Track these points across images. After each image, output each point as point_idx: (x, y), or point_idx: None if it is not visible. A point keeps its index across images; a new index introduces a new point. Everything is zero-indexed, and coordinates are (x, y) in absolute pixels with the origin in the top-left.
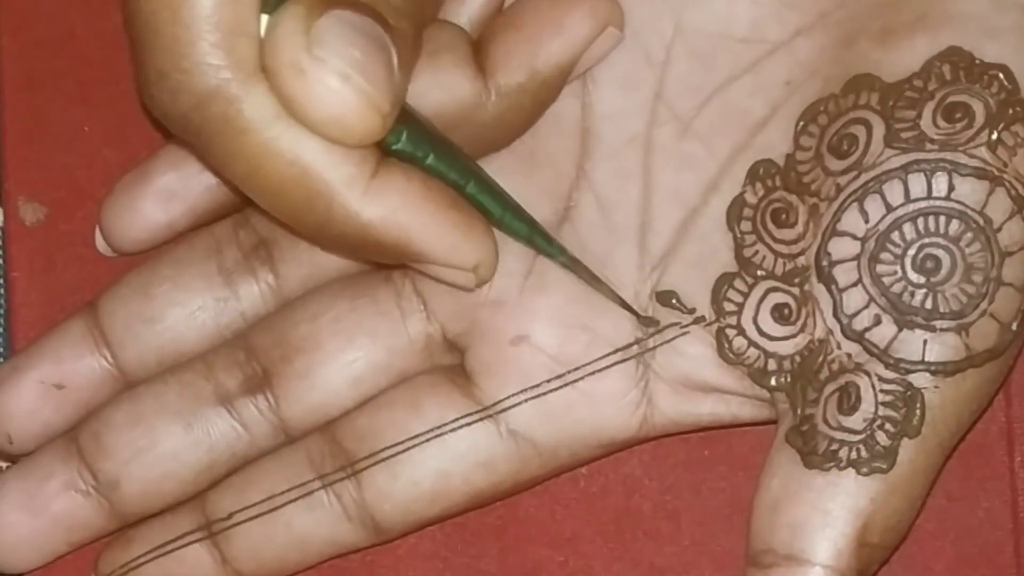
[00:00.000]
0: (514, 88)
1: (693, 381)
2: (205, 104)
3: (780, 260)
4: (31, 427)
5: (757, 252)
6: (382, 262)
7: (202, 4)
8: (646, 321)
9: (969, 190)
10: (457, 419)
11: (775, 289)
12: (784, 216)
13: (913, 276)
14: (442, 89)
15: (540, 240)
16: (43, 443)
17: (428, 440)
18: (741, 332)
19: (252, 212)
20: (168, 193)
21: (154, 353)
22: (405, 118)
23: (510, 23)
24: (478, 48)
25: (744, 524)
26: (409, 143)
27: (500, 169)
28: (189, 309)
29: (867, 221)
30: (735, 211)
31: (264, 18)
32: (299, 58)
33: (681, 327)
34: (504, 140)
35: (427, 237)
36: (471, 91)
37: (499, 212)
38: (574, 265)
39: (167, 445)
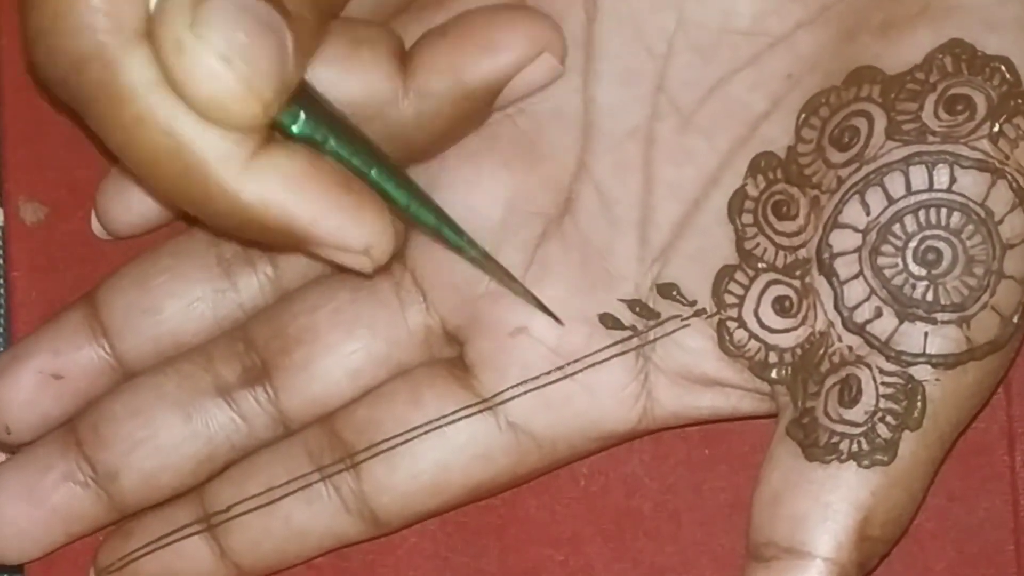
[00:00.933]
0: (433, 93)
1: (693, 374)
2: (82, 67)
3: (781, 252)
4: (29, 417)
5: (758, 245)
6: (273, 244)
7: None
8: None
9: (971, 182)
10: (456, 411)
11: (776, 282)
12: (785, 208)
13: (914, 268)
14: (356, 81)
15: (448, 232)
16: (41, 434)
17: (427, 432)
18: (742, 325)
19: None
20: None
21: (152, 344)
22: (306, 102)
23: (443, 32)
24: (409, 51)
25: (745, 523)
26: (307, 126)
27: (502, 162)
28: (187, 300)
29: (868, 213)
30: (736, 204)
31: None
32: (182, 35)
33: (682, 319)
34: (422, 145)
35: (311, 218)
36: (387, 87)
37: (405, 201)
38: (486, 261)
39: (166, 437)
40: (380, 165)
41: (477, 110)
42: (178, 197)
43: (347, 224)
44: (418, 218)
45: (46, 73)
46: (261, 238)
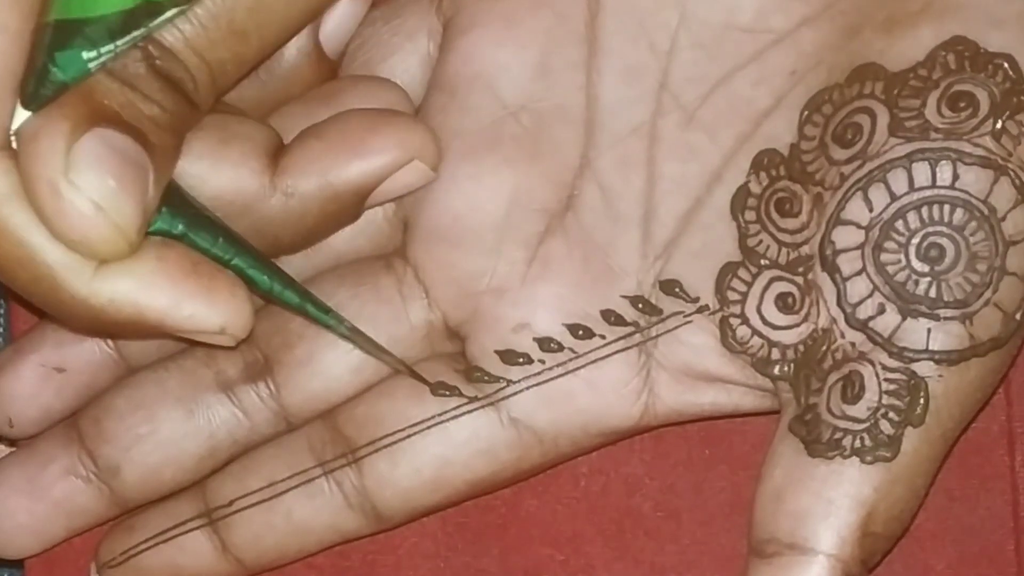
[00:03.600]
0: (301, 193)
1: (695, 370)
2: None
3: (784, 249)
4: (31, 411)
5: (761, 241)
6: (131, 336)
7: None
8: (438, 386)
9: (973, 179)
10: (458, 407)
11: (779, 278)
12: (788, 205)
13: (917, 265)
14: (224, 177)
15: (314, 310)
16: (43, 427)
17: (429, 428)
18: (745, 321)
19: None
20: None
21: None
22: (165, 196)
23: (316, 131)
24: (285, 148)
25: (745, 523)
26: (163, 222)
27: (504, 159)
28: None
29: (871, 210)
30: (739, 201)
31: (21, 112)
32: (56, 179)
33: (684, 316)
34: (290, 241)
35: (162, 311)
36: (254, 185)
37: (267, 284)
38: (354, 335)
39: (168, 431)
40: (240, 252)
41: (346, 210)
42: (33, 299)
43: (199, 310)
44: (283, 299)
45: None
46: (117, 334)
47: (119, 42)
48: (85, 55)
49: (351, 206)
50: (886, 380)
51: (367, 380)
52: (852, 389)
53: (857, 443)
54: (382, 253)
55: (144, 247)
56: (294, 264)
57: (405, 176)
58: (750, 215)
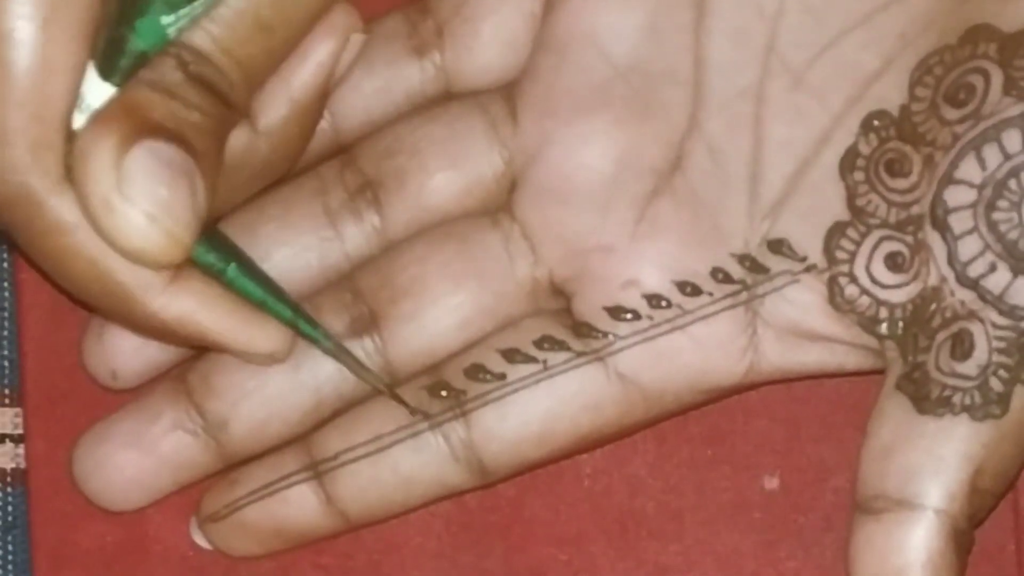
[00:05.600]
0: (278, 124)
1: (801, 329)
2: (12, 206)
3: (893, 209)
4: (135, 363)
5: (870, 201)
6: (187, 347)
7: (12, 117)
8: (413, 410)
9: None
10: (566, 361)
11: (888, 238)
12: (898, 166)
13: None
14: None
15: (304, 325)
16: (145, 380)
17: (537, 382)
18: (853, 280)
19: (359, 154)
20: None
21: None
22: None
23: None
24: None
25: (747, 523)
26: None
27: (614, 119)
28: (295, 249)
29: (984, 169)
30: (848, 161)
31: (101, 85)
32: (109, 196)
33: (792, 274)
34: (282, 169)
35: (222, 334)
36: (242, 137)
37: (260, 296)
38: (340, 353)
39: (275, 386)
40: (236, 263)
41: (317, 117)
42: (103, 312)
43: (255, 338)
44: (275, 311)
45: None
46: (180, 344)
47: (195, 4)
48: (164, 20)
49: (319, 109)
50: (996, 338)
51: (472, 336)
52: (962, 347)
53: (967, 400)
54: (488, 211)
55: (208, 276)
56: (401, 218)
57: (348, 54)
58: (859, 175)
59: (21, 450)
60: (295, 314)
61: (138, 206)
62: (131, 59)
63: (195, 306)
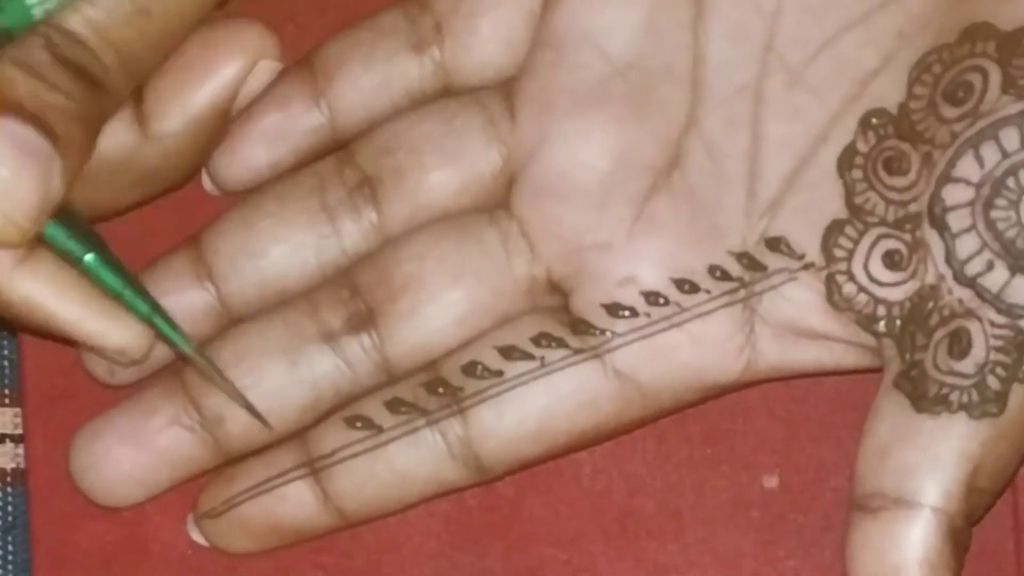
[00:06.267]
0: (170, 133)
1: (798, 327)
2: None
3: (892, 207)
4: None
5: (868, 199)
6: (32, 333)
7: None
8: (268, 424)
9: None
10: (564, 358)
11: (886, 236)
12: (897, 164)
13: None
14: (103, 136)
15: (161, 324)
16: (143, 376)
17: (534, 379)
18: (851, 278)
19: (357, 150)
20: (272, 134)
21: (257, 288)
22: None
23: (164, 69)
24: (139, 96)
25: (746, 522)
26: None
27: (612, 116)
28: (292, 245)
29: (982, 167)
30: (846, 159)
31: None
32: None
33: (790, 272)
34: (174, 178)
35: (71, 322)
36: (129, 138)
37: (119, 288)
38: (197, 357)
39: (271, 382)
40: (95, 252)
41: (215, 130)
42: None
43: (105, 329)
44: (132, 305)
45: None
46: (26, 329)
47: None
48: (29, 1)
49: (218, 126)
50: (994, 336)
51: (469, 333)
52: (959, 345)
53: (964, 398)
54: (486, 208)
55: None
56: (399, 214)
57: (256, 79)
58: (857, 173)
59: (21, 450)
60: (152, 311)
61: None
62: None
63: (44, 290)
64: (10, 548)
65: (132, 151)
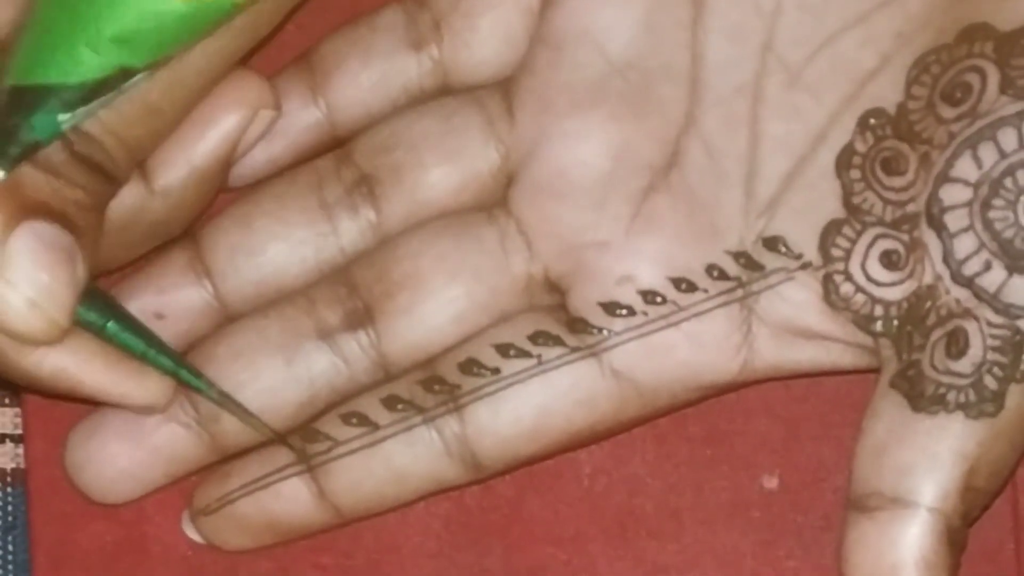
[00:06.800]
0: (175, 187)
1: (796, 326)
2: None
3: (889, 207)
4: None
5: (866, 199)
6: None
7: None
8: (301, 455)
9: None
10: (560, 356)
11: (884, 236)
12: (895, 164)
13: None
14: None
15: (186, 375)
16: None
17: (531, 376)
18: (848, 278)
19: (355, 148)
20: (270, 132)
21: (254, 286)
22: None
23: None
24: None
25: (746, 523)
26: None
27: (610, 115)
28: (290, 243)
29: (980, 167)
30: (844, 159)
31: None
32: None
33: (788, 272)
34: (177, 229)
35: (97, 388)
36: (136, 195)
37: (142, 348)
38: (224, 400)
39: (268, 379)
40: (116, 318)
41: (218, 179)
42: None
43: (131, 391)
44: (157, 363)
45: None
46: (50, 396)
47: (91, 105)
48: (60, 117)
49: (219, 177)
50: (991, 336)
51: (467, 331)
52: (956, 345)
53: (961, 398)
54: (484, 206)
55: (85, 332)
56: (397, 212)
57: (257, 127)
58: (855, 173)
59: (21, 450)
60: (176, 365)
61: (19, 291)
62: (22, 148)
63: (69, 363)
64: (10, 548)
65: (139, 206)
